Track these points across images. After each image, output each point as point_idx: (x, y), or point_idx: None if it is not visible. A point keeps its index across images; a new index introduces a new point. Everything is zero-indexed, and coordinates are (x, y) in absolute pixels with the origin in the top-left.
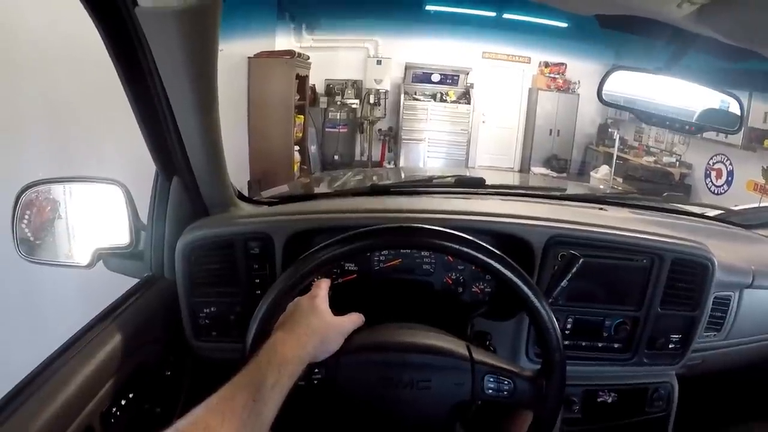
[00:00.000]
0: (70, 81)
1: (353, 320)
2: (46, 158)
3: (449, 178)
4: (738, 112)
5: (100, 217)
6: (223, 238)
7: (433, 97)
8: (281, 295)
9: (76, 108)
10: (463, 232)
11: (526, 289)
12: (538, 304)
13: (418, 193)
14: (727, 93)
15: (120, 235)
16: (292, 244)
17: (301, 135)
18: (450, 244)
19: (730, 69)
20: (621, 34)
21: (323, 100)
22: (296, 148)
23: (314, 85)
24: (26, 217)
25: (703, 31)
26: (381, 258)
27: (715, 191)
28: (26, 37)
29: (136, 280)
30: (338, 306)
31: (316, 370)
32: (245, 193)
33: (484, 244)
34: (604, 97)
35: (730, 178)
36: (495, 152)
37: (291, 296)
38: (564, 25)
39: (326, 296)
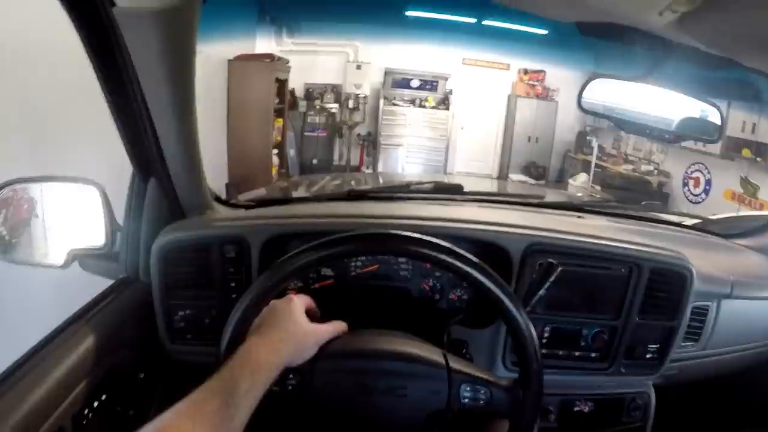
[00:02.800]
0: (45, 81)
1: (331, 329)
2: (20, 159)
3: (427, 184)
4: (717, 121)
5: (76, 217)
6: (199, 241)
7: (413, 102)
8: (256, 300)
9: (51, 108)
10: (441, 239)
11: (503, 297)
12: (515, 312)
13: (396, 199)
14: (707, 102)
15: (96, 236)
16: (269, 248)
17: (279, 139)
18: (427, 251)
19: (708, 78)
20: (601, 42)
21: (302, 104)
22: (275, 151)
23: (294, 88)
24: (2, 215)
25: (684, 39)
26: (358, 264)
27: (693, 200)
28: (1, 36)
29: (111, 282)
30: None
31: (291, 376)
32: (223, 195)
33: (462, 251)
34: (583, 104)
35: (707, 187)
36: (473, 159)
37: (266, 301)
38: (544, 32)
39: (303, 305)
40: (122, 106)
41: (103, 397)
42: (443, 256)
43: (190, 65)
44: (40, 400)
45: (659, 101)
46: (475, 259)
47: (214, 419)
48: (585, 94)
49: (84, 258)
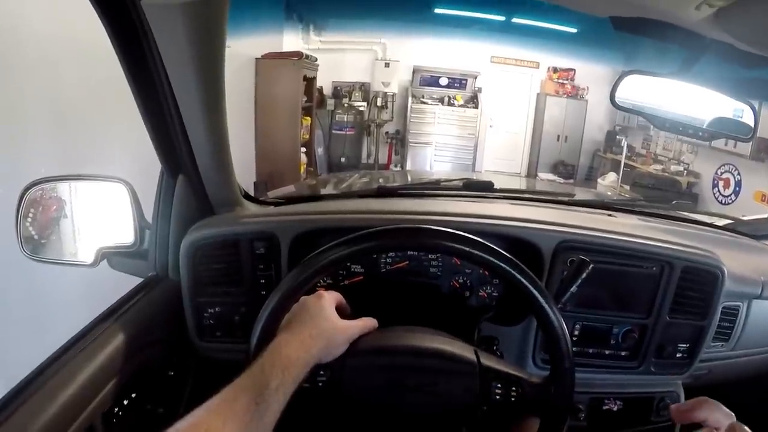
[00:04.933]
0: (74, 79)
1: (361, 325)
2: (49, 157)
3: (457, 181)
4: (751, 120)
5: (105, 215)
6: (228, 238)
7: (441, 100)
8: (286, 296)
9: (80, 106)
10: (473, 235)
11: (536, 294)
12: (548, 310)
13: (426, 196)
14: (741, 100)
15: (125, 234)
16: (298, 244)
17: (307, 137)
18: (459, 246)
19: (741, 76)
20: (631, 40)
21: (330, 102)
22: (303, 149)
23: (321, 86)
24: (30, 215)
25: (719, 36)
26: (387, 260)
27: (723, 201)
28: (30, 34)
29: (140, 280)
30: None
31: (321, 372)
32: (251, 193)
33: (495, 247)
34: (616, 100)
35: (737, 188)
36: (502, 157)
37: (296, 297)
38: (573, 30)
39: (333, 301)
40: (150, 101)
41: (133, 395)
42: (476, 251)
43: (219, 59)
44: (70, 399)
45: (693, 99)
46: (508, 255)
47: (244, 416)
48: (618, 90)
49: (113, 256)
